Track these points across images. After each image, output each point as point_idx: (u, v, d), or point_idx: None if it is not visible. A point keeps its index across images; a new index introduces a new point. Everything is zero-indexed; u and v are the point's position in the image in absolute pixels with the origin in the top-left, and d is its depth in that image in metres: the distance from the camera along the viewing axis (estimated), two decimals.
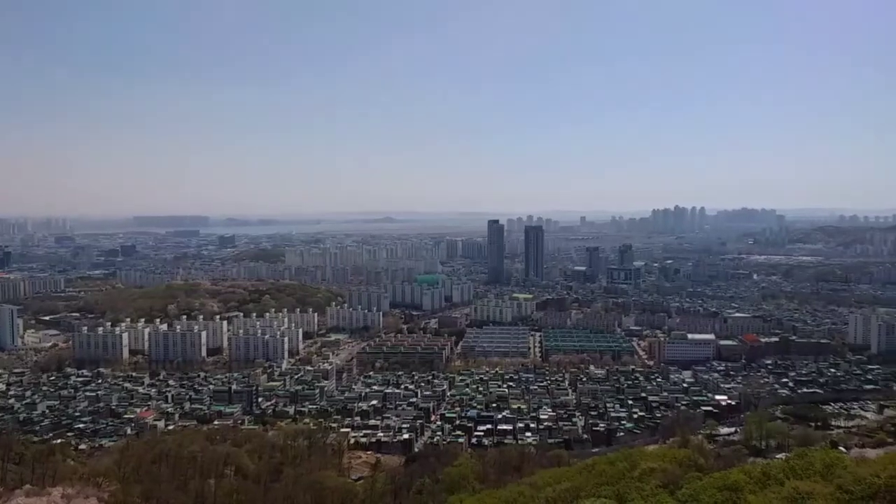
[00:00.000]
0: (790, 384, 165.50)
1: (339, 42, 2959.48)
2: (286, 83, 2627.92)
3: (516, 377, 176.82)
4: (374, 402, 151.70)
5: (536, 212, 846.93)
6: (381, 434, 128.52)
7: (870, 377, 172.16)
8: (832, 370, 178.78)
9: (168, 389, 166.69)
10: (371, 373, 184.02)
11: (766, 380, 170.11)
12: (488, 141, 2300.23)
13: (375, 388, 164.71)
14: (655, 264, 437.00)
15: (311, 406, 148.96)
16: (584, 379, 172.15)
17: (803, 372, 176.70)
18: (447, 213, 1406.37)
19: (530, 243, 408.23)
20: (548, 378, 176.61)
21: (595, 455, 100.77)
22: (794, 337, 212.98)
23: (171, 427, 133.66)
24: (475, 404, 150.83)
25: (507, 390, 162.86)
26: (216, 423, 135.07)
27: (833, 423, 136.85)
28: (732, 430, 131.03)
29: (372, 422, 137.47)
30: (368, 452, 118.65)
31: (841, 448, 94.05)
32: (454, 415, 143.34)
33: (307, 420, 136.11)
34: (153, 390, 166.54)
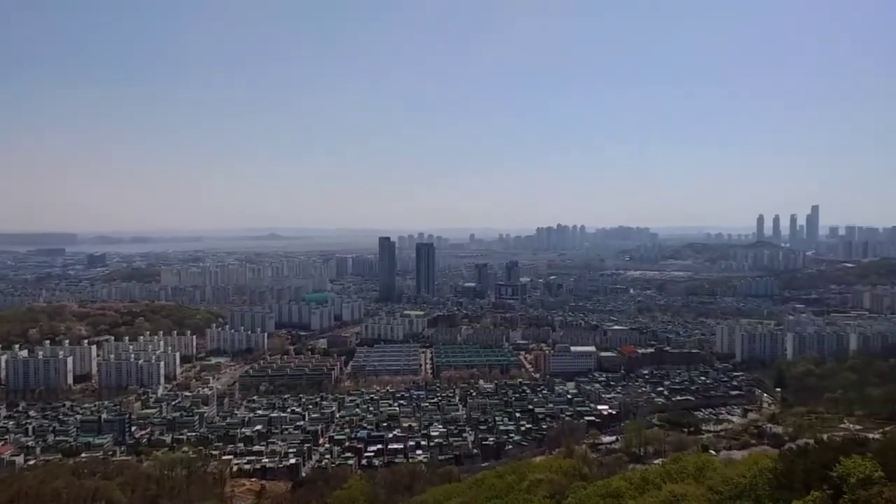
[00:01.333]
0: (665, 392, 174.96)
1: (215, 48, 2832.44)
2: (163, 87, 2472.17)
3: (407, 395, 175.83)
4: (259, 427, 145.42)
5: (426, 229, 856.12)
6: (266, 460, 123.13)
7: (735, 383, 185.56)
8: (702, 378, 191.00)
9: (28, 421, 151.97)
10: (255, 397, 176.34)
11: (644, 389, 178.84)
12: (377, 156, 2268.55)
13: (260, 412, 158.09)
14: (540, 280, 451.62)
15: (190, 434, 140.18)
16: (474, 394, 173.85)
17: (677, 380, 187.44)
18: (337, 229, 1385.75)
19: (421, 260, 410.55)
20: (439, 394, 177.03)
21: (485, 469, 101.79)
22: (667, 347, 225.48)
23: (31, 462, 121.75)
24: (365, 424, 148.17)
25: (398, 409, 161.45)
26: (84, 455, 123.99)
27: (704, 427, 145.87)
28: (613, 438, 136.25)
29: (256, 447, 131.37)
30: (253, 480, 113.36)
31: (711, 451, 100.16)
32: (343, 436, 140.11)
33: (185, 448, 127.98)
34: (10, 423, 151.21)
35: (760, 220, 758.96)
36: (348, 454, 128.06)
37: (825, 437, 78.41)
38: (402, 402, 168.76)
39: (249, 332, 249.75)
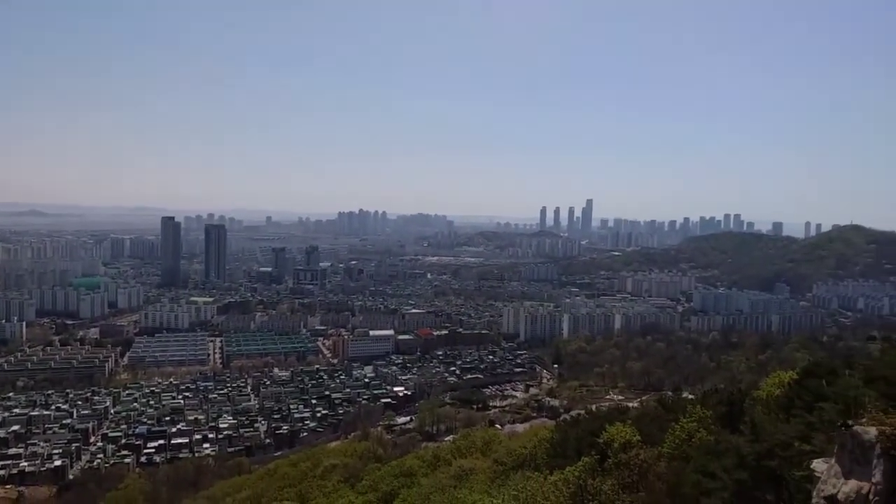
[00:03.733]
0: (457, 372, 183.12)
1: None
2: None
3: (193, 386, 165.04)
4: (16, 427, 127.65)
5: (219, 210, 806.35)
6: (26, 463, 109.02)
7: (519, 361, 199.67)
8: (490, 357, 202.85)
9: None
10: (11, 394, 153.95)
11: (438, 369, 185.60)
12: (161, 126, 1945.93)
13: (17, 411, 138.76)
14: (341, 265, 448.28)
15: None
16: (268, 382, 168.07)
17: (468, 360, 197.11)
18: (112, 207, 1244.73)
19: (211, 243, 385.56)
20: (229, 385, 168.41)
21: (278, 458, 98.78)
22: (460, 329, 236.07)
23: None
24: (145, 420, 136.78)
25: (182, 401, 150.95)
26: None
27: (491, 403, 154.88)
28: (409, 418, 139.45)
29: (13, 450, 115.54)
30: (8, 486, 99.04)
31: (497, 426, 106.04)
32: (119, 433, 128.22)
33: None
34: None
35: (543, 211, 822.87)
36: (125, 452, 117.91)
37: (594, 407, 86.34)
38: (187, 394, 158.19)
39: (3, 322, 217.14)
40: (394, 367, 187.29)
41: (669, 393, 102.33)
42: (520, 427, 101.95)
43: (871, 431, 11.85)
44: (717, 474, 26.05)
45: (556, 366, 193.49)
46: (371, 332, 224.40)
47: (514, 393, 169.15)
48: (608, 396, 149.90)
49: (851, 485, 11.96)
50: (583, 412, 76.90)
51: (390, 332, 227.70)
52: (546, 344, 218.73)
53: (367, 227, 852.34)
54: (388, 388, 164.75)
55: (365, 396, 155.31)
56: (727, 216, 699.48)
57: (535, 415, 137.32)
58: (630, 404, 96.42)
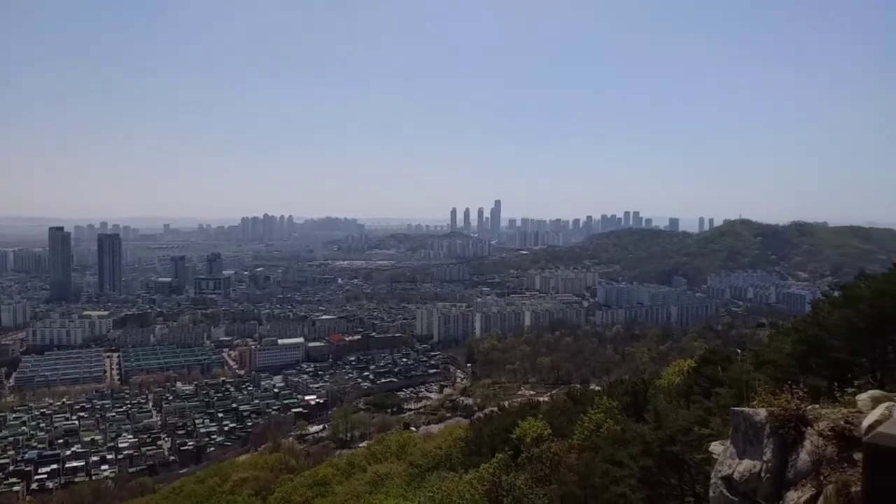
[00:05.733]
0: (371, 377, 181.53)
1: None
2: None
3: (89, 406, 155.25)
4: None
5: (112, 218, 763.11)
6: None
7: (433, 362, 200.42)
8: (404, 360, 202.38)
9: None
10: None
11: (351, 375, 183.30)
12: (44, 130, 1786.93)
13: None
14: (246, 272, 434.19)
15: None
16: (171, 397, 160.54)
17: (381, 364, 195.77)
18: None
19: (105, 253, 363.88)
20: (128, 402, 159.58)
21: (184, 476, 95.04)
22: (373, 333, 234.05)
23: None
24: (35, 444, 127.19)
25: (77, 422, 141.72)
26: None
27: (406, 406, 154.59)
28: (321, 427, 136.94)
29: None
30: None
31: (412, 428, 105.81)
32: (7, 460, 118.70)
33: None
34: None
35: (454, 212, 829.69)
36: (14, 480, 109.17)
37: (506, 404, 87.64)
38: (82, 414, 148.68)
39: None
40: (305, 376, 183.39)
41: (578, 386, 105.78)
42: (435, 428, 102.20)
43: (762, 413, 12.34)
44: (624, 462, 26.91)
45: (469, 365, 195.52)
46: (280, 341, 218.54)
47: (428, 394, 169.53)
48: (520, 392, 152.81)
49: (745, 464, 12.45)
50: (496, 409, 78.04)
51: (300, 339, 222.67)
52: (459, 344, 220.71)
53: (272, 233, 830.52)
54: (300, 397, 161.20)
55: (275, 407, 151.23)
56: (627, 214, 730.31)
57: (449, 415, 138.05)
58: (541, 399, 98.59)
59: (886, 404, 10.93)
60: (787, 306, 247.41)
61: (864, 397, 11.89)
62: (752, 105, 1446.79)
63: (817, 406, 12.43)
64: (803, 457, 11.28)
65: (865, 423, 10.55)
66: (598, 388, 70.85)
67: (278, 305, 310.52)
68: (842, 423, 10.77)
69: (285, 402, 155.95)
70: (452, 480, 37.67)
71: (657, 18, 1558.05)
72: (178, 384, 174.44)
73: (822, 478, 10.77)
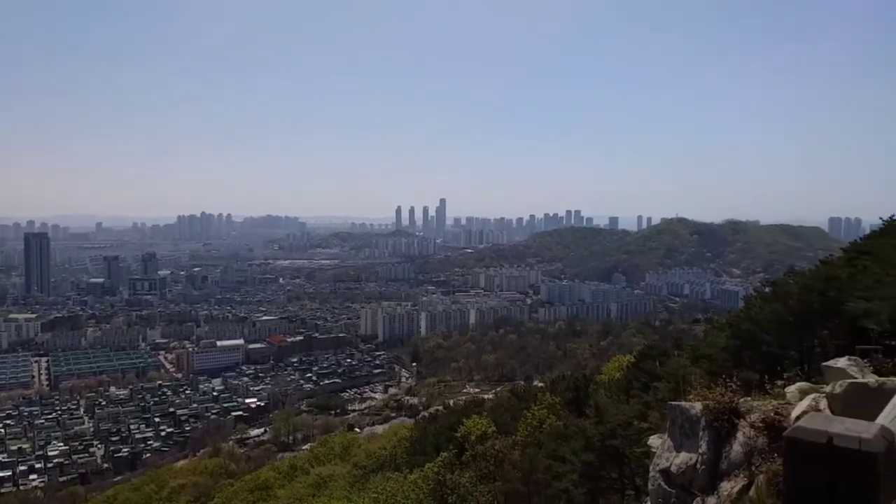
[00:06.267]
0: (314, 378, 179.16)
1: None
2: None
3: (16, 413, 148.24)
4: None
5: (40, 217, 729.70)
6: None
7: (378, 362, 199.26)
8: (348, 360, 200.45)
9: None
10: None
11: (293, 377, 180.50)
12: None
13: None
14: (183, 272, 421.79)
15: None
16: (104, 403, 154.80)
17: (325, 365, 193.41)
18: None
19: (32, 253, 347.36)
20: (58, 408, 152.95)
21: (118, 484, 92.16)
22: (316, 334, 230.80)
23: None
24: None
25: (3, 430, 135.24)
26: None
27: (350, 407, 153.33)
28: (263, 430, 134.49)
29: None
30: None
31: (356, 429, 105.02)
32: None
33: None
34: None
35: (398, 211, 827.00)
36: None
37: (451, 402, 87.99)
38: (8, 422, 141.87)
39: None
40: (245, 378, 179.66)
41: (521, 382, 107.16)
42: (380, 428, 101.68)
43: (697, 406, 12.66)
44: (566, 457, 27.30)
45: (414, 364, 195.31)
46: (218, 343, 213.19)
47: (373, 395, 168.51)
48: (465, 390, 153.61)
49: (682, 457, 12.75)
50: (441, 408, 78.22)
51: (240, 341, 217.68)
52: (404, 343, 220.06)
53: (210, 231, 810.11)
54: (240, 400, 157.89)
55: (214, 411, 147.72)
56: (569, 212, 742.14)
57: (394, 415, 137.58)
58: (486, 396, 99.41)
59: (813, 396, 11.36)
60: (722, 302, 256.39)
61: (792, 389, 12.34)
62: (687, 106, 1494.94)
63: (749, 399, 12.83)
64: (736, 448, 11.61)
65: (794, 414, 10.93)
66: (541, 384, 71.86)
67: (217, 306, 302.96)
68: (772, 414, 11.13)
69: (225, 405, 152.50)
70: (397, 481, 37.58)
71: (593, 17, 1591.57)
72: (112, 389, 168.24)
73: (753, 468, 11.11)
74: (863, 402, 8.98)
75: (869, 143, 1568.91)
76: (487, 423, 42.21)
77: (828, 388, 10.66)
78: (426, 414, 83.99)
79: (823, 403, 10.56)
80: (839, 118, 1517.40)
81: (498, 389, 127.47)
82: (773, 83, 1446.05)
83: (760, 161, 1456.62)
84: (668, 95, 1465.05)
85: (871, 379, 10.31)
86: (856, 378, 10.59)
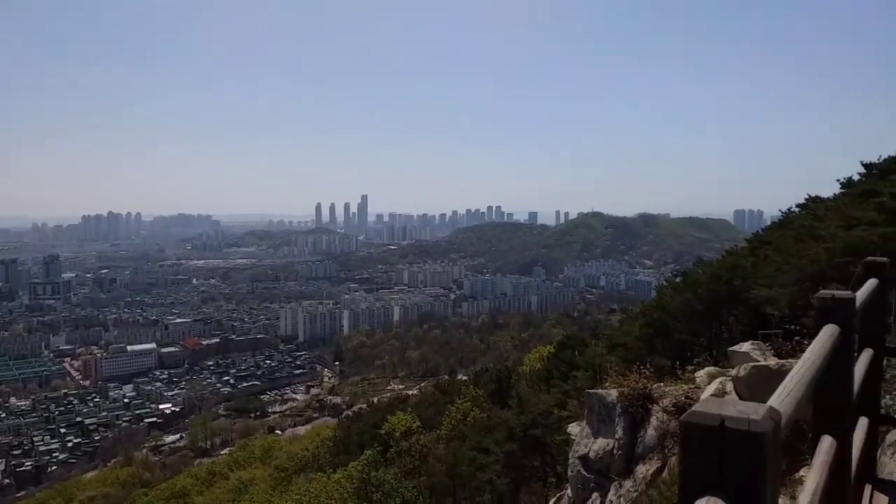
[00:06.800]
0: (231, 381, 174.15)
1: None
2: None
3: None
4: None
5: None
6: None
7: (299, 363, 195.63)
8: (268, 362, 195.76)
9: None
10: None
11: (209, 380, 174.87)
12: None
13: None
14: (89, 275, 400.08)
15: None
16: (3, 415, 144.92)
17: (243, 367, 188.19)
18: None
19: None
20: None
21: (21, 500, 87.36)
22: (233, 336, 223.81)
23: None
24: None
25: None
26: None
27: (270, 410, 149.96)
28: (178, 436, 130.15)
29: None
30: None
31: (278, 431, 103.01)
32: None
33: None
34: None
35: (318, 207, 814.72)
36: None
37: (375, 400, 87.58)
38: None
39: None
40: (158, 383, 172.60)
41: (446, 377, 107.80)
42: (302, 430, 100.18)
43: (613, 393, 13.09)
44: (490, 449, 27.68)
45: (337, 363, 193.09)
46: (129, 348, 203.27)
47: (294, 396, 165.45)
48: (389, 387, 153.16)
49: (600, 443, 13.16)
50: (365, 406, 77.69)
51: (152, 345, 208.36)
52: (327, 342, 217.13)
53: (118, 232, 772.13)
54: (153, 406, 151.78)
55: (125, 418, 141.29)
56: (490, 208, 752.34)
57: (317, 415, 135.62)
58: (410, 392, 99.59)
59: (720, 379, 11.94)
60: (636, 292, 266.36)
61: (701, 374, 12.95)
62: (599, 103, 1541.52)
63: (662, 384, 13.36)
64: (650, 432, 12.07)
65: (703, 397, 11.45)
66: (465, 377, 72.59)
67: (126, 310, 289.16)
68: (683, 398, 11.63)
69: (137, 412, 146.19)
70: (320, 481, 37.14)
71: (499, 11, 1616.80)
72: (13, 399, 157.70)
73: (667, 451, 11.57)
74: (765, 384, 9.49)
75: (771, 139, 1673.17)
76: (412, 418, 42.29)
77: (733, 372, 11.20)
78: (350, 413, 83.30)
79: (730, 386, 11.10)
80: (744, 116, 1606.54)
81: (422, 385, 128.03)
82: (682, 82, 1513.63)
83: (671, 157, 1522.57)
84: (581, 93, 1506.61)
85: (773, 361, 10.91)
86: (758, 361, 11.18)
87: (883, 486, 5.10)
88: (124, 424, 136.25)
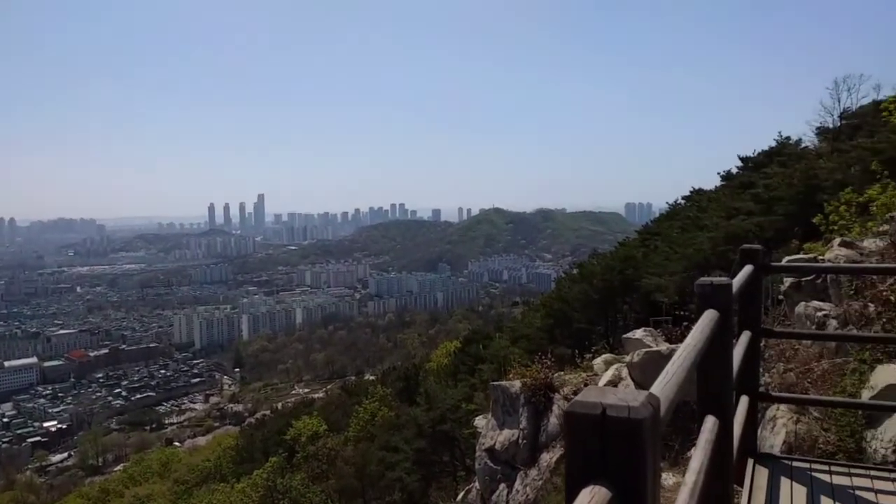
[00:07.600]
0: (124, 393, 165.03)
1: None
2: None
3: None
4: None
5: None
6: None
7: (196, 371, 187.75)
8: (163, 371, 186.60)
9: None
10: None
11: (99, 394, 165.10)
12: None
13: None
14: None
15: None
16: None
17: (136, 379, 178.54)
18: None
19: None
20: None
21: None
22: (124, 346, 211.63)
23: None
24: None
25: None
26: None
27: (167, 421, 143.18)
28: (66, 454, 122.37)
29: None
30: None
31: (176, 443, 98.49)
32: None
33: None
34: None
35: (212, 208, 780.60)
36: None
37: (279, 405, 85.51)
38: None
39: None
40: (41, 400, 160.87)
41: (353, 378, 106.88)
42: (202, 440, 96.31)
43: (516, 384, 13.38)
44: (399, 447, 27.65)
45: (237, 370, 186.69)
46: (6, 363, 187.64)
47: (192, 405, 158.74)
48: (294, 392, 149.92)
49: (505, 434, 13.42)
50: (268, 412, 75.67)
51: (32, 359, 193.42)
52: (225, 349, 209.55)
53: None
54: (36, 424, 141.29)
55: (6, 439, 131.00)
56: (394, 206, 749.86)
57: (217, 424, 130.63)
58: (316, 396, 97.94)
59: (616, 366, 12.45)
60: (537, 285, 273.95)
61: (598, 361, 13.45)
62: (492, 99, 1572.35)
63: (563, 373, 13.77)
64: (552, 421, 12.43)
65: (601, 383, 11.91)
66: (372, 377, 72.20)
67: (2, 322, 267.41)
68: (582, 386, 12.05)
69: (18, 432, 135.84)
70: (223, 492, 35.86)
71: (399, 7, 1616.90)
72: None
73: None
74: (656, 368, 9.97)
75: (658, 135, 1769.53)
76: (318, 422, 41.66)
77: (628, 358, 11.73)
78: (252, 420, 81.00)
79: (625, 372, 11.61)
80: (633, 113, 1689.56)
81: (329, 387, 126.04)
82: (571, 80, 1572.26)
83: (566, 153, 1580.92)
84: (476, 89, 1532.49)
85: (664, 347, 11.50)
86: (650, 347, 11.75)
87: (763, 459, 5.47)
88: (4, 446, 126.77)
